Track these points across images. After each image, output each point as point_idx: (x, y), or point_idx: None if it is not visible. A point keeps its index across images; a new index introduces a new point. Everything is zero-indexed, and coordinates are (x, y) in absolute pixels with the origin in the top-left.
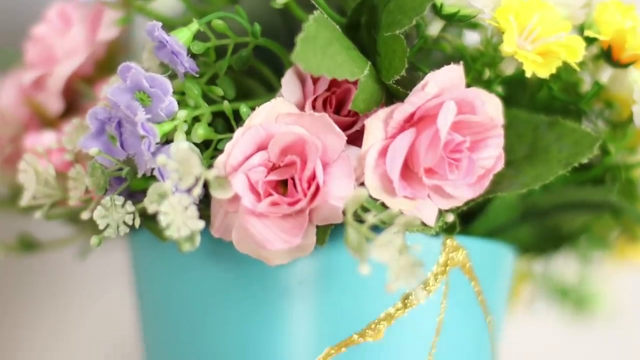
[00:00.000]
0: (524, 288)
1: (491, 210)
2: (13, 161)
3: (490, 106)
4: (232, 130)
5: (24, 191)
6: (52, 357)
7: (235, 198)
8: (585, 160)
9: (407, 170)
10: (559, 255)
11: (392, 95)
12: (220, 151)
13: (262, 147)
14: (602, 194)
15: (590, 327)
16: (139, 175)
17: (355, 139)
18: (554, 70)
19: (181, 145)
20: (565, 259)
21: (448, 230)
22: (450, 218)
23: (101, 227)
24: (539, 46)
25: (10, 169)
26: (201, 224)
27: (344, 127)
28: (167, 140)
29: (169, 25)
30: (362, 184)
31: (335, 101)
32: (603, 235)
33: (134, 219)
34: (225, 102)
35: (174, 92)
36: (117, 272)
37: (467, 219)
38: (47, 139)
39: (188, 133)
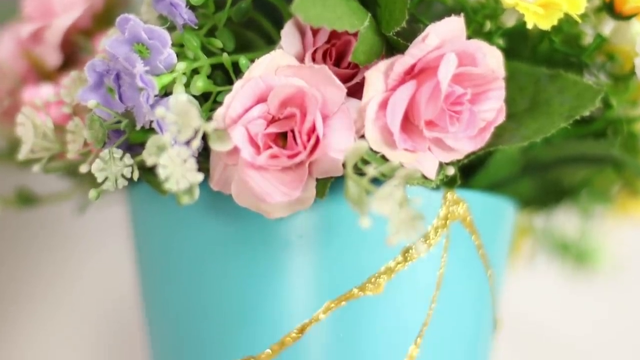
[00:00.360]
0: (525, 243)
1: (492, 164)
2: (11, 114)
3: (491, 58)
4: (231, 83)
5: (22, 144)
6: (51, 312)
7: (235, 151)
8: (586, 113)
9: (408, 122)
10: (560, 209)
11: (392, 48)
12: (220, 104)
13: (261, 100)
14: (603, 147)
15: (591, 282)
16: (138, 127)
17: (356, 92)
18: (555, 22)
19: (180, 97)
20: (567, 214)
21: (449, 183)
22: (451, 171)
23: (99, 180)
24: None
25: (8, 123)
26: (200, 177)
27: (344, 80)
28: (166, 92)
29: None
30: (362, 136)
31: (335, 53)
32: (604, 190)
33: (132, 172)
34: (225, 54)
35: (173, 44)
36: (115, 226)
37: (468, 173)
38: (45, 92)
39: (187, 85)
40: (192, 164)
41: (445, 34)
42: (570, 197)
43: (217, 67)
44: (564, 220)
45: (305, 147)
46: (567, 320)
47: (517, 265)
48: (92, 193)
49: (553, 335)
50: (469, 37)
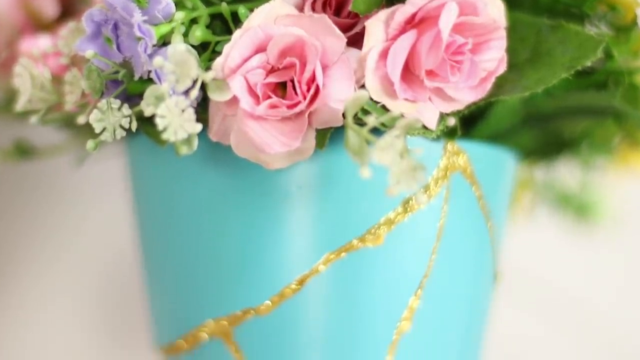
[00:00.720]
0: (525, 196)
1: (493, 115)
2: (9, 65)
3: (492, 8)
4: (230, 32)
5: (20, 96)
6: (50, 265)
7: (234, 101)
8: (588, 64)
9: (408, 72)
10: (561, 161)
11: None
12: (218, 53)
13: (260, 49)
14: (604, 98)
15: (591, 235)
16: (136, 78)
17: (356, 41)
18: None
19: (178, 47)
20: (567, 166)
21: (449, 134)
22: (452, 122)
23: (97, 130)
24: None
25: (5, 74)
26: (198, 127)
27: (344, 29)
28: (164, 42)
29: None
30: (362, 86)
31: (335, 3)
32: (605, 141)
33: (130, 123)
34: (224, 4)
35: None
36: (114, 179)
37: (469, 124)
38: (42, 43)
39: (185, 35)
40: (191, 114)
41: None
42: (571, 148)
43: (215, 17)
44: (565, 172)
45: (304, 97)
46: (568, 274)
47: (517, 218)
48: (90, 144)
49: (553, 288)
50: None
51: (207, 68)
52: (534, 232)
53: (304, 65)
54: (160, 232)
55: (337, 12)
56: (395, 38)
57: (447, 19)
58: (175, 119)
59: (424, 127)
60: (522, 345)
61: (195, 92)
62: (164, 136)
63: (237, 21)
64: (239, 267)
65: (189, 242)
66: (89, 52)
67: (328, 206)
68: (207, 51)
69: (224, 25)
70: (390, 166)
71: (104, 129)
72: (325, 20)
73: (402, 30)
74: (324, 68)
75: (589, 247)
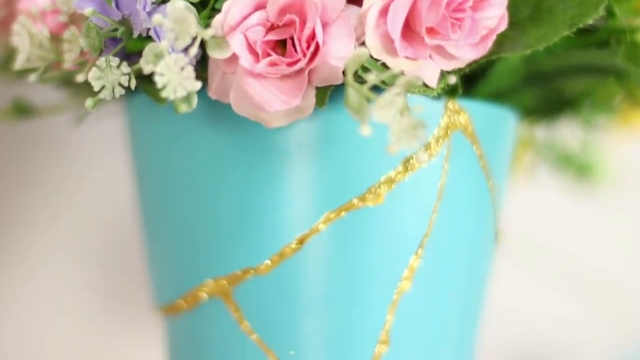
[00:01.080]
0: (527, 156)
1: (494, 73)
2: (7, 24)
3: None
4: None
5: (18, 54)
6: (49, 224)
7: (233, 58)
8: (589, 22)
9: (409, 30)
10: (562, 120)
11: None
12: (218, 10)
13: (260, 6)
14: (606, 57)
15: (592, 194)
16: (135, 35)
17: None
18: None
19: (177, 4)
20: (569, 126)
21: (450, 92)
22: (453, 80)
23: (96, 88)
24: None
25: (4, 32)
26: (198, 84)
27: None
28: None
29: None
30: (362, 44)
31: None
32: (606, 100)
33: (129, 81)
34: None
35: None
36: (113, 138)
37: (470, 82)
38: (41, 1)
39: None
40: (190, 71)
41: None
42: (572, 107)
43: None
44: (566, 132)
45: (304, 55)
46: (568, 234)
47: (518, 178)
48: (89, 102)
49: (554, 248)
50: None
51: (207, 25)
52: (535, 191)
53: (303, 22)
54: (159, 191)
55: None
56: None
57: None
58: (174, 77)
59: (425, 85)
60: (522, 305)
61: (194, 50)
62: (163, 94)
63: None
64: (238, 227)
65: (188, 201)
66: (88, 10)
67: (328, 165)
68: (206, 8)
69: None
70: (391, 124)
71: (102, 87)
72: None
73: None
74: (324, 25)
75: (590, 207)
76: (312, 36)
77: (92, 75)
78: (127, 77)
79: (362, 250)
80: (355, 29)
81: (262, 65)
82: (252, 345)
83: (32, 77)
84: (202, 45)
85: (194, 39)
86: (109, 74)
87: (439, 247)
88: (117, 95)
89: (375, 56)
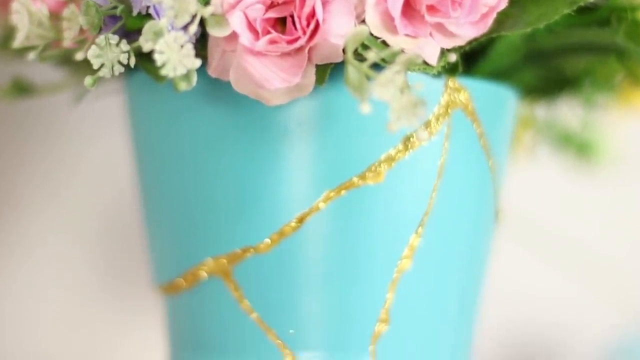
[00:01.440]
0: (527, 135)
1: (494, 52)
2: (6, 2)
3: None
4: None
5: (18, 32)
6: (49, 205)
7: (233, 36)
8: (590, 0)
9: (409, 7)
10: (563, 99)
11: None
12: None
13: None
14: (607, 35)
15: (593, 173)
16: (134, 13)
17: None
18: None
19: None
20: (569, 104)
21: (450, 70)
22: (453, 58)
23: (95, 66)
24: None
25: (3, 11)
26: (197, 62)
27: None
28: None
29: None
30: (362, 21)
31: None
32: (607, 79)
33: (129, 58)
34: None
35: None
36: (112, 117)
37: (470, 61)
38: None
39: None
40: (190, 49)
41: None
42: (572, 86)
43: None
44: (566, 111)
45: (304, 32)
46: (568, 213)
47: (518, 157)
48: (88, 80)
49: (554, 227)
50: None
51: (206, 3)
52: (535, 170)
53: (303, 0)
54: (159, 169)
55: None
56: None
57: None
58: (174, 55)
59: (425, 63)
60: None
61: (194, 28)
62: (163, 72)
63: None
64: (238, 205)
65: (187, 179)
66: None
67: (328, 143)
68: None
69: None
70: (391, 102)
71: (102, 65)
72: None
73: None
74: (324, 3)
75: (590, 186)
76: (312, 14)
77: (92, 53)
78: (127, 55)
79: (362, 228)
80: (355, 7)
81: (262, 43)
82: (251, 324)
83: (32, 56)
84: (202, 23)
85: (194, 16)
86: (108, 52)
87: (439, 226)
88: (117, 73)
89: (375, 34)
